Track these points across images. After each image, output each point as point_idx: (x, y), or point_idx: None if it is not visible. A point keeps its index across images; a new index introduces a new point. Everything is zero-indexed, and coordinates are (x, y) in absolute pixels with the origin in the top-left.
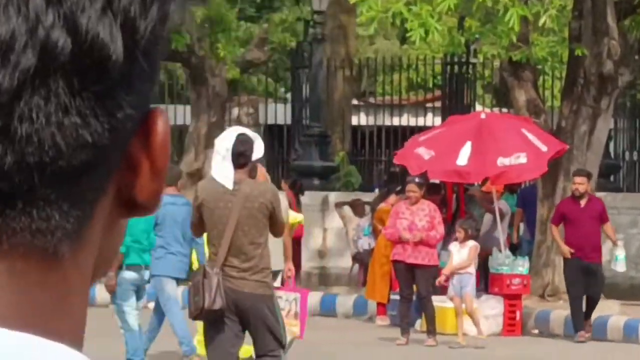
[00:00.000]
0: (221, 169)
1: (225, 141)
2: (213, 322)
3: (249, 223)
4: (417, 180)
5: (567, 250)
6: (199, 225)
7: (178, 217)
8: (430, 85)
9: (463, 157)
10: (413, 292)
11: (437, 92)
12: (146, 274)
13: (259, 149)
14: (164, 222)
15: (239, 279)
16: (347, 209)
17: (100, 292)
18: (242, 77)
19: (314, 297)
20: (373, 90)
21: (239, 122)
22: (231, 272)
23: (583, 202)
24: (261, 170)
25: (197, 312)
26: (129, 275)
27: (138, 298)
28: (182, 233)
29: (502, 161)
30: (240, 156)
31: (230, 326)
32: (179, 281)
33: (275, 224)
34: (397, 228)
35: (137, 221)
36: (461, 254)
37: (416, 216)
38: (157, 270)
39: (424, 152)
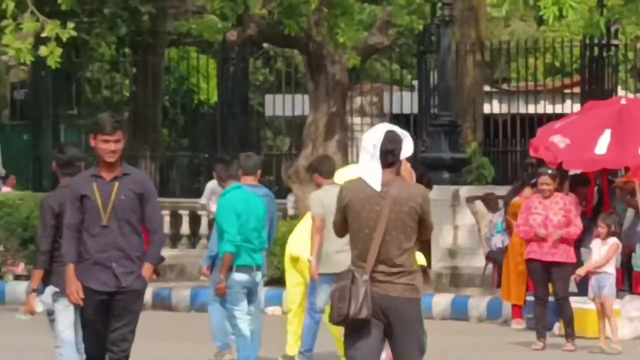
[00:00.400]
0: (369, 168)
1: (373, 138)
2: (357, 329)
3: (397, 227)
4: (549, 171)
5: None
6: (341, 227)
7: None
8: (570, 70)
9: (602, 145)
10: (549, 293)
11: (577, 77)
12: (258, 276)
13: (408, 148)
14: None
15: (386, 282)
16: (479, 204)
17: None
18: (364, 63)
19: (445, 299)
20: (507, 76)
21: (361, 112)
22: (378, 276)
23: None
24: (406, 166)
25: (341, 319)
26: (239, 277)
27: (250, 302)
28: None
29: None
30: (389, 154)
31: (374, 334)
32: None
33: (425, 229)
34: (531, 224)
35: (248, 219)
36: (602, 251)
37: (550, 210)
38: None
39: (560, 140)
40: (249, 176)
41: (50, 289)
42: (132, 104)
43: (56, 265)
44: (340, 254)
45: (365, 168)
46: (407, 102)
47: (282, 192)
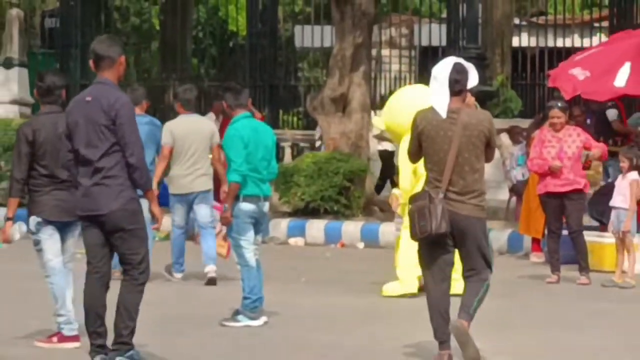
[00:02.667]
0: (439, 96)
1: (442, 69)
2: (433, 244)
3: (469, 150)
4: (559, 104)
5: None
6: (417, 152)
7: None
8: (606, 2)
9: (621, 78)
10: (562, 226)
11: (607, 12)
12: (265, 206)
13: (474, 78)
14: None
15: (458, 201)
16: (504, 137)
17: None
18: None
19: None
20: (544, 10)
21: (391, 44)
22: (450, 195)
23: None
24: (470, 98)
25: (424, 235)
26: (246, 207)
27: (257, 232)
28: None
29: None
30: (457, 84)
31: (449, 246)
32: None
33: (490, 150)
34: (545, 158)
35: (256, 149)
36: (622, 184)
37: (564, 143)
38: None
39: (579, 73)
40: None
41: (34, 219)
42: (161, 33)
43: (36, 194)
44: (186, 177)
45: (435, 97)
46: (435, 34)
47: (315, 123)
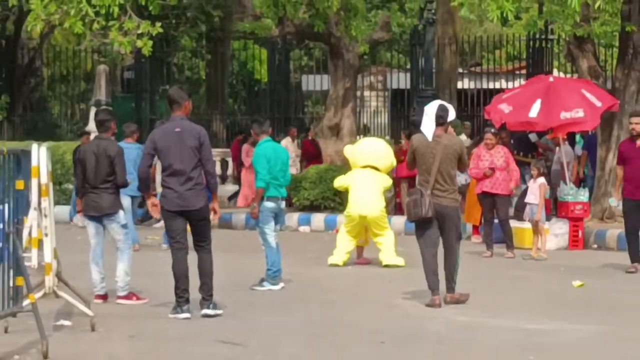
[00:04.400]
0: (428, 127)
1: (431, 108)
2: (424, 224)
3: (447, 162)
4: (492, 130)
5: (617, 196)
6: (412, 163)
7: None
8: (524, 56)
9: (534, 111)
10: (494, 216)
11: (524, 63)
12: (282, 204)
13: (452, 114)
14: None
15: (440, 196)
16: None
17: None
18: (371, 52)
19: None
20: (479, 61)
21: (370, 87)
22: (435, 192)
23: (638, 142)
24: (450, 129)
25: (416, 218)
26: (269, 204)
27: (276, 222)
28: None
29: (564, 115)
30: (440, 118)
31: (434, 227)
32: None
33: (461, 163)
34: (480, 168)
35: (275, 163)
36: (533, 186)
37: (494, 157)
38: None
39: (505, 107)
40: (128, 138)
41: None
42: (206, 81)
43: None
44: None
45: (425, 126)
46: (402, 80)
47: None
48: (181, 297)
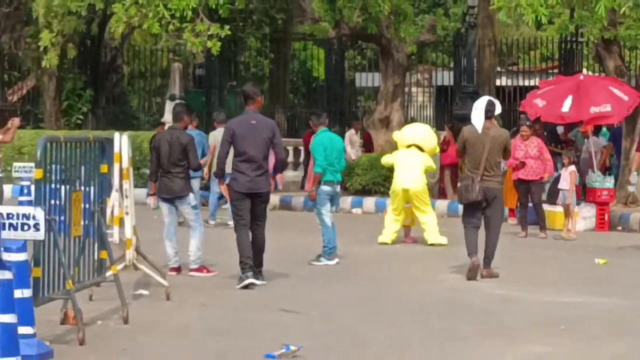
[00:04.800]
0: (478, 119)
1: (480, 103)
2: (472, 206)
3: (494, 151)
4: (527, 123)
5: (633, 176)
6: (462, 151)
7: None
8: (556, 56)
9: (566, 106)
10: (529, 200)
11: (557, 62)
12: (337, 187)
13: (498, 109)
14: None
15: (488, 181)
16: None
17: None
18: (419, 52)
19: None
20: (513, 61)
21: (417, 84)
22: (485, 177)
23: None
24: (493, 122)
25: (468, 201)
26: (325, 188)
27: (332, 204)
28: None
29: (593, 109)
30: (488, 112)
31: (479, 209)
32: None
33: (507, 152)
34: (516, 157)
35: (332, 151)
36: (565, 174)
37: (529, 148)
38: None
39: (539, 102)
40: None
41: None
42: (270, 78)
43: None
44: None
45: (475, 119)
46: (446, 77)
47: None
48: (245, 264)
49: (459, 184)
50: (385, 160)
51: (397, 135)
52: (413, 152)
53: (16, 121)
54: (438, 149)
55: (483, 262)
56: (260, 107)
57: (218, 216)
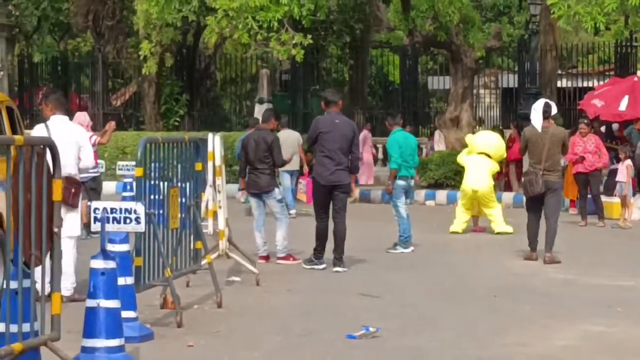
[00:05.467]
0: (537, 120)
1: (538, 105)
2: (535, 198)
3: (553, 148)
4: (586, 121)
5: None
6: (525, 149)
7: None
8: (612, 60)
9: (623, 105)
10: (588, 192)
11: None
12: (411, 182)
13: (554, 109)
14: None
15: (549, 175)
16: None
17: None
18: (486, 57)
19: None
20: (573, 64)
21: (485, 86)
22: (546, 173)
23: None
24: (551, 121)
25: (532, 194)
26: (400, 183)
27: (406, 197)
28: None
29: None
30: (546, 113)
31: (541, 201)
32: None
33: (564, 148)
34: (575, 153)
35: (406, 149)
36: (621, 167)
37: (587, 144)
38: None
39: (597, 102)
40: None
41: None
42: (349, 82)
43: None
44: None
45: (534, 119)
46: (511, 80)
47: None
48: (320, 252)
49: (523, 178)
50: (460, 159)
51: (469, 139)
52: (483, 158)
53: (112, 124)
54: (505, 155)
55: (545, 248)
56: (341, 109)
57: (305, 209)
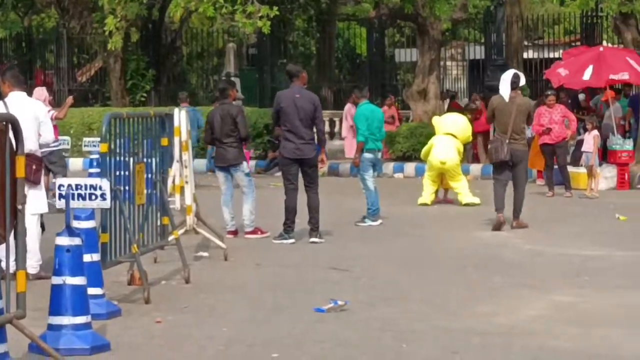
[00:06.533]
0: (505, 90)
1: (507, 75)
2: (501, 166)
3: (519, 117)
4: (552, 92)
5: None
6: (492, 117)
7: None
8: (578, 30)
9: (587, 74)
10: (554, 163)
11: (578, 36)
12: (379, 155)
13: (523, 80)
14: None
15: (515, 143)
16: None
17: None
18: (452, 29)
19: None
20: (539, 35)
21: (452, 58)
22: (511, 140)
23: None
24: (518, 92)
25: (497, 161)
26: (368, 155)
27: (374, 170)
28: None
29: (612, 77)
30: (514, 83)
31: (507, 169)
32: None
33: (529, 118)
34: (542, 124)
35: (373, 121)
36: (588, 138)
37: (553, 114)
38: None
39: (562, 71)
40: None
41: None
42: (316, 56)
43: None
44: None
45: (502, 89)
46: (477, 51)
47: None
48: (289, 227)
49: (489, 146)
50: (424, 150)
51: (436, 121)
52: (448, 138)
53: (70, 99)
54: (471, 138)
55: (512, 215)
56: (305, 82)
57: (273, 183)
